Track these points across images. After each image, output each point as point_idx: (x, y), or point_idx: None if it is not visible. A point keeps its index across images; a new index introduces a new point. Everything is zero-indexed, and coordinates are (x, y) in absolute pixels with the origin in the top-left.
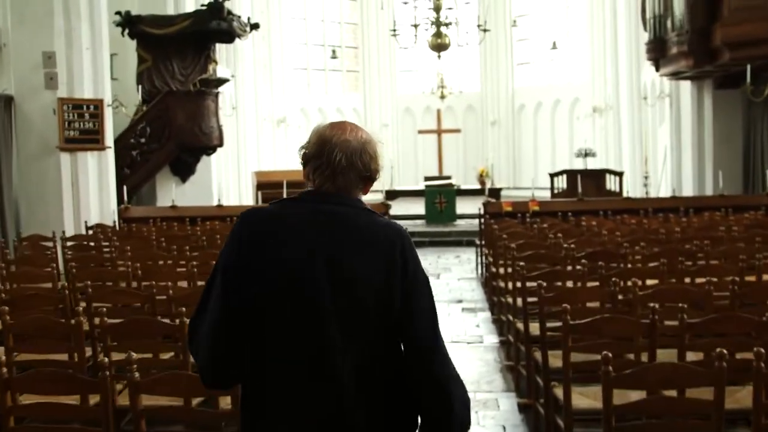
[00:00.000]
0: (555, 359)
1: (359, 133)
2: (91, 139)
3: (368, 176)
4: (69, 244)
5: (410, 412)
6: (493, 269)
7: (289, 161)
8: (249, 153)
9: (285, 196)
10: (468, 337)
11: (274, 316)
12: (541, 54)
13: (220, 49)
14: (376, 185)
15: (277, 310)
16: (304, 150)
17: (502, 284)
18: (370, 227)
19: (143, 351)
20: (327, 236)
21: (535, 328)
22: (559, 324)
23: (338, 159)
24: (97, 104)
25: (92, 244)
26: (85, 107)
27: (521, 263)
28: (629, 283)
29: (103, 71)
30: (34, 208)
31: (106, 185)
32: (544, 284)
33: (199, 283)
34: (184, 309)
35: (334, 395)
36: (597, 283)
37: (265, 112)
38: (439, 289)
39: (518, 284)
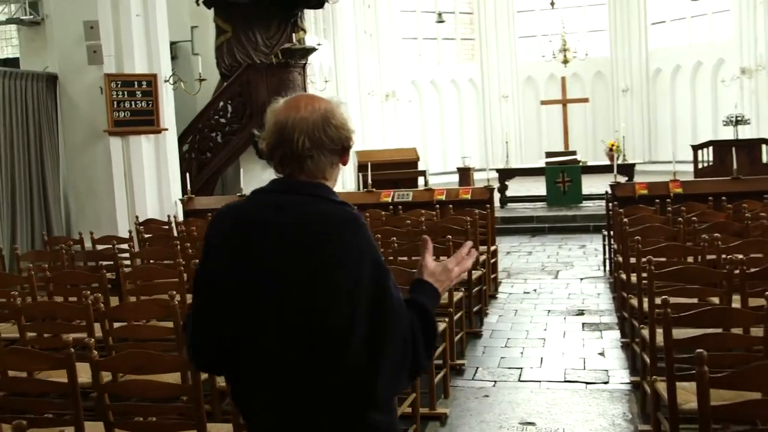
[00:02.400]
0: None
1: (316, 104)
2: (144, 121)
3: (341, 148)
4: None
5: None
6: (623, 276)
7: (399, 139)
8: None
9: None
10: (588, 372)
11: (237, 316)
12: (679, 10)
13: (315, 18)
14: (487, 164)
15: (237, 311)
16: (264, 141)
17: (633, 301)
18: (308, 220)
19: None
20: (274, 234)
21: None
22: None
23: (301, 143)
24: (150, 80)
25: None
26: (136, 84)
27: (660, 282)
28: None
29: (157, 41)
30: (84, 202)
31: (165, 173)
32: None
33: None
34: None
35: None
36: None
37: (369, 85)
38: (557, 294)
39: (657, 311)
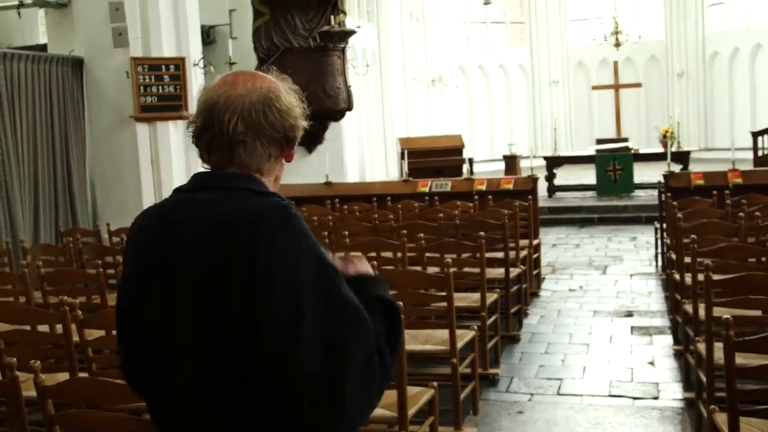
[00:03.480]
0: None
1: (258, 82)
2: (172, 106)
3: (283, 137)
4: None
5: None
6: (676, 276)
7: (445, 125)
8: (396, 117)
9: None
10: (635, 386)
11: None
12: None
13: (358, 0)
14: (536, 151)
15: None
16: (192, 123)
17: (688, 306)
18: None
19: None
20: (188, 244)
21: None
22: None
23: (233, 125)
24: (178, 63)
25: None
26: (163, 68)
27: (718, 289)
28: None
29: (186, 23)
30: (111, 190)
31: (195, 161)
32: None
33: None
34: None
35: None
36: None
37: (415, 70)
38: (604, 292)
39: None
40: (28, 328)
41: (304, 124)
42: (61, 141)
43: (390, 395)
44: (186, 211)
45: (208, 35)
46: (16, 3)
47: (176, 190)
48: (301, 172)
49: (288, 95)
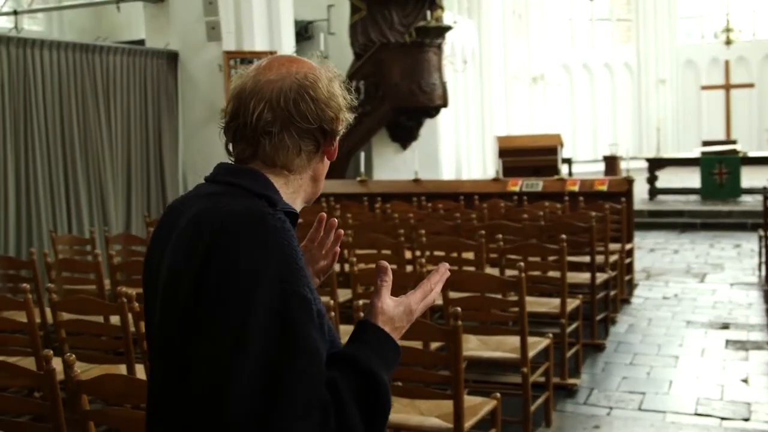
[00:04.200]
0: None
1: (294, 67)
2: None
3: (317, 129)
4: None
5: None
6: None
7: (547, 124)
8: (495, 115)
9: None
10: (725, 405)
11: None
12: None
13: None
14: (641, 152)
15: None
16: (222, 112)
17: None
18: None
19: None
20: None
21: None
22: None
23: (258, 112)
24: None
25: None
26: (255, 62)
27: None
28: None
29: (279, 17)
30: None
31: None
32: None
33: None
34: None
35: None
36: None
37: (516, 68)
38: (700, 301)
39: None
40: (94, 318)
41: (347, 116)
42: (154, 133)
43: (446, 405)
44: (186, 205)
45: (306, 30)
46: None
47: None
48: (396, 167)
49: (330, 83)
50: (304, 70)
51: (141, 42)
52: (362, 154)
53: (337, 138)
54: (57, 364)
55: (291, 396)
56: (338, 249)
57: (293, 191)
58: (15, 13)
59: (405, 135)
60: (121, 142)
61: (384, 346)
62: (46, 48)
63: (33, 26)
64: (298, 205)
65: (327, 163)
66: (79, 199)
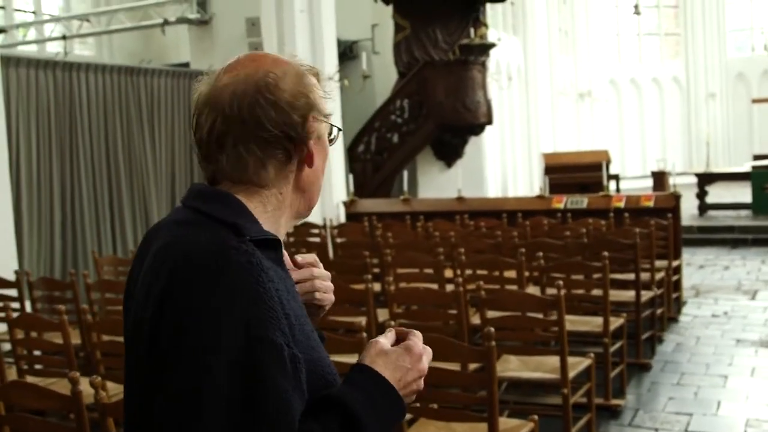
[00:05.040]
0: None
1: (260, 65)
2: None
3: (282, 136)
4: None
5: None
6: None
7: (594, 141)
8: (542, 132)
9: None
10: None
11: None
12: None
13: (503, 13)
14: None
15: None
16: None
17: None
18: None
19: None
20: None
21: None
22: None
23: (210, 124)
24: None
25: None
26: None
27: None
28: None
29: (322, 37)
30: None
31: (328, 174)
32: None
33: None
34: None
35: None
36: None
37: (562, 84)
38: (751, 319)
39: None
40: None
41: (321, 116)
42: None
43: (482, 428)
44: (159, 232)
45: (351, 50)
46: (161, 21)
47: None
48: (441, 186)
49: (298, 80)
50: (265, 68)
51: (186, 64)
52: (405, 173)
53: (312, 141)
54: (88, 385)
55: None
56: (328, 283)
57: (274, 209)
58: (64, 38)
59: (450, 153)
60: (165, 163)
61: (374, 388)
62: (92, 71)
63: (84, 51)
64: (284, 224)
65: (317, 169)
66: (124, 221)
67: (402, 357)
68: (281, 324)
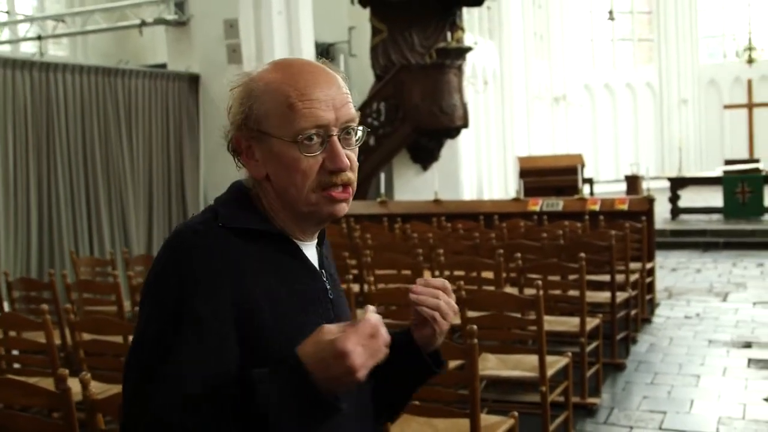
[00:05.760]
0: None
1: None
2: None
3: (231, 138)
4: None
5: None
6: None
7: (569, 145)
8: (517, 136)
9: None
10: (747, 424)
11: None
12: None
13: (480, 17)
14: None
15: None
16: None
17: None
18: None
19: None
20: None
21: None
22: None
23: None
24: None
25: None
26: None
27: None
28: None
29: (300, 41)
30: None
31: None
32: None
33: None
34: None
35: None
36: None
37: (537, 88)
38: (723, 320)
39: None
40: (113, 338)
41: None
42: (175, 155)
43: (463, 424)
44: None
45: (327, 53)
46: (138, 22)
47: None
48: (417, 188)
49: (270, 78)
50: (267, 65)
51: (163, 65)
52: (382, 176)
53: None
54: (75, 384)
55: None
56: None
57: (273, 199)
58: (39, 38)
59: (426, 156)
60: (142, 164)
61: (286, 381)
62: (69, 72)
63: (58, 51)
64: (288, 220)
65: (282, 157)
66: (101, 221)
67: (326, 350)
68: (209, 296)
